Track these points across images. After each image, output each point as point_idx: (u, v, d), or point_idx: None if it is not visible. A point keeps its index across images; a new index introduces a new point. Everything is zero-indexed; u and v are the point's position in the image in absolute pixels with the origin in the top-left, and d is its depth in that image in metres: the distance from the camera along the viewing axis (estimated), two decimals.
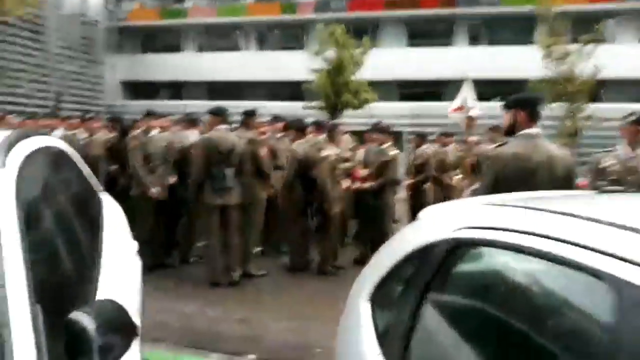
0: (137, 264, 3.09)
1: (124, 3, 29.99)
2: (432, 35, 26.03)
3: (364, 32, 21.77)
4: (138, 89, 29.45)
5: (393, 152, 6.44)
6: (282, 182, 6.40)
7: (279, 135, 6.84)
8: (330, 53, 18.18)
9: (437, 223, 1.81)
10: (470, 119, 7.10)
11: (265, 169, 5.92)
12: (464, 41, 25.67)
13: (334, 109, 18.36)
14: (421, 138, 7.63)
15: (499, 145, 3.16)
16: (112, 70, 28.22)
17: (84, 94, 25.38)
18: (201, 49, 29.62)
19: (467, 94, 7.09)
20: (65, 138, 6.09)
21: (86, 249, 1.98)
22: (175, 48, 29.80)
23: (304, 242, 6.29)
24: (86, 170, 2.77)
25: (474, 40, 25.46)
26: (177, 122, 8.07)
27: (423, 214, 2.01)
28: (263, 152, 5.89)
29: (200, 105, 23.45)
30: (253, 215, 5.87)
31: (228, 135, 5.46)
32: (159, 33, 30.48)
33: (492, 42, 24.75)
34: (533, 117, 3.10)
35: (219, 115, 5.56)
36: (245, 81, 27.17)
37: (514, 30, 24.37)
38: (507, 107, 3.17)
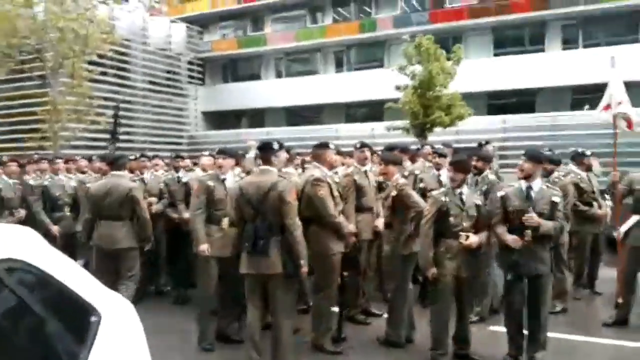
0: None
1: (205, 35, 30.62)
2: (520, 42, 24.38)
3: (447, 43, 20.31)
4: (220, 119, 29.72)
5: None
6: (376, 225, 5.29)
7: (365, 167, 5.51)
8: (417, 67, 16.71)
9: None
10: (622, 117, 5.78)
11: (327, 214, 4.50)
12: (557, 45, 23.46)
13: (422, 129, 16.80)
14: (554, 162, 5.89)
15: None
16: (195, 102, 28.70)
17: (168, 126, 25.85)
18: (280, 75, 29.48)
19: (613, 89, 5.84)
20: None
21: None
22: (255, 76, 29.97)
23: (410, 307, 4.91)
24: (73, 283, 2.02)
25: (568, 43, 23.27)
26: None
27: None
28: (321, 191, 4.51)
29: (280, 132, 23.23)
30: (324, 274, 4.64)
31: (264, 178, 4.07)
32: (239, 62, 30.81)
33: (589, 44, 22.48)
34: None
35: (262, 152, 4.26)
36: (323, 104, 26.50)
37: (614, 27, 22.14)
38: None
